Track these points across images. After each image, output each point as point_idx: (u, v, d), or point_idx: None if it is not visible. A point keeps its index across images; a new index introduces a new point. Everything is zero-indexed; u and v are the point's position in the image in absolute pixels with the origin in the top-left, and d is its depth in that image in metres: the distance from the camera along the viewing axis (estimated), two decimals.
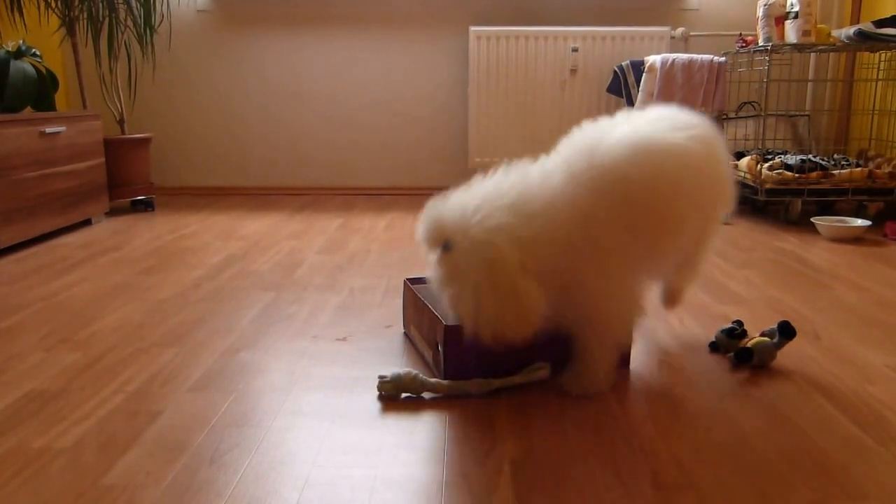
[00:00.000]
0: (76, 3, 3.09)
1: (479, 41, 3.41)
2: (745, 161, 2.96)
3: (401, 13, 3.56)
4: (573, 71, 3.44)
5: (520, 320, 1.17)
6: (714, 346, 1.49)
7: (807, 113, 3.47)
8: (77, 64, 3.14)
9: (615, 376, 1.30)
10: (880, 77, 3.08)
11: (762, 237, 2.63)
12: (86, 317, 1.72)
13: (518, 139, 3.49)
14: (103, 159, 3.00)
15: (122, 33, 3.26)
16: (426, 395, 1.27)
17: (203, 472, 1.02)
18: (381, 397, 1.26)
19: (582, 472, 1.02)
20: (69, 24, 3.11)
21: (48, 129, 2.61)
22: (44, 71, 2.88)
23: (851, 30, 2.82)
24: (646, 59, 3.28)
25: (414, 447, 1.09)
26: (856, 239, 2.57)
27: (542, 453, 1.07)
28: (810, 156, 2.94)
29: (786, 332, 1.40)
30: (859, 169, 2.80)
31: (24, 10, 3.08)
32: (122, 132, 3.30)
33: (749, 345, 1.40)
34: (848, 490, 0.97)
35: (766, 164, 2.83)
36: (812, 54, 3.42)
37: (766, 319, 1.68)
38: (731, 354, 1.41)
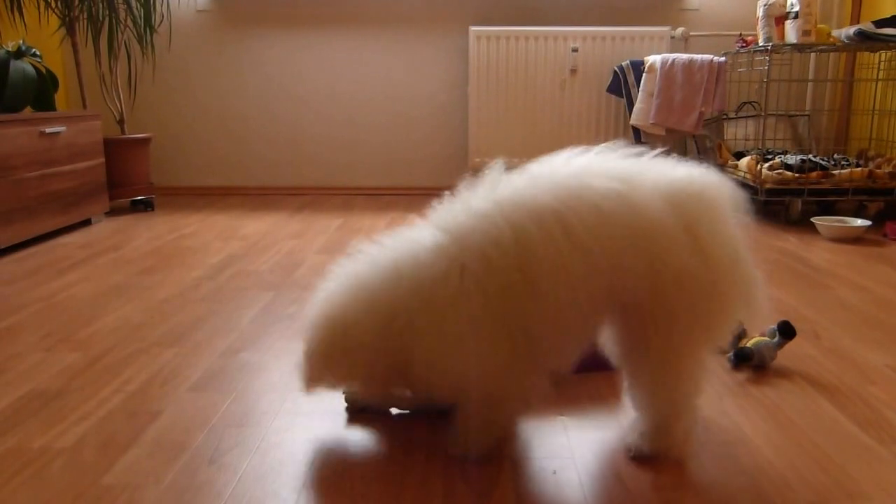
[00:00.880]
0: (76, 3, 3.09)
1: (479, 41, 3.41)
2: (744, 161, 2.95)
3: (401, 13, 3.56)
4: (573, 71, 3.44)
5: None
6: None
7: (807, 113, 3.47)
8: (77, 64, 3.14)
9: (490, 444, 1.07)
10: (880, 77, 3.07)
11: (762, 237, 2.63)
12: (85, 317, 1.72)
13: (518, 139, 3.49)
14: (103, 159, 3.00)
15: (122, 33, 3.26)
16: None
17: (203, 472, 1.02)
18: (347, 409, 1.22)
19: (582, 471, 1.02)
20: (69, 24, 3.11)
21: (48, 129, 2.61)
22: (44, 71, 2.88)
23: (851, 30, 2.82)
24: (646, 59, 3.28)
25: (414, 447, 1.09)
26: (856, 239, 2.57)
27: (541, 453, 1.07)
28: (810, 156, 2.94)
29: (786, 332, 1.40)
30: (859, 169, 2.80)
31: (24, 10, 3.08)
32: (122, 132, 3.30)
33: (749, 345, 1.40)
34: (848, 490, 0.97)
35: (766, 164, 2.83)
36: (812, 54, 3.42)
37: (766, 319, 1.67)
38: (731, 354, 1.41)
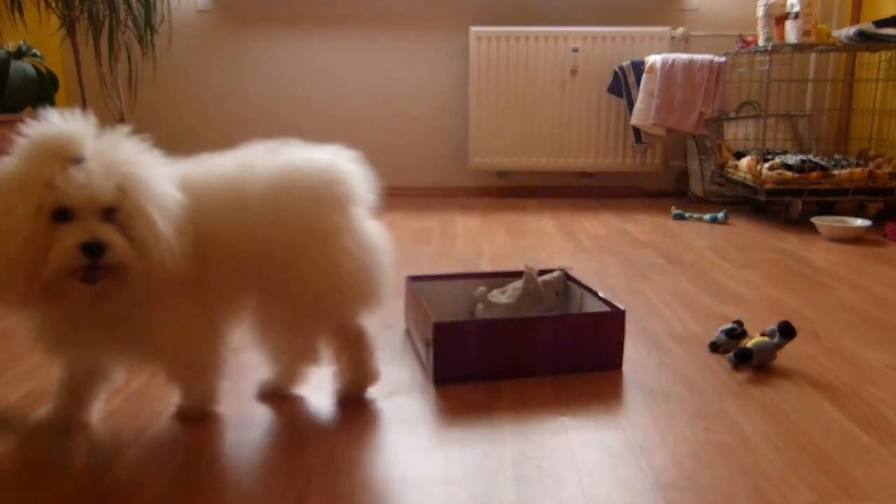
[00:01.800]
0: (76, 3, 3.09)
1: (479, 41, 3.41)
2: (745, 161, 2.96)
3: (401, 13, 3.56)
4: (573, 71, 3.44)
5: None
6: (714, 346, 1.49)
7: (807, 113, 3.47)
8: (77, 64, 3.14)
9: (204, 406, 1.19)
10: (880, 77, 3.08)
11: (762, 237, 2.63)
12: None
13: (518, 139, 3.49)
14: None
15: (123, 33, 3.26)
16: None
17: (203, 472, 1.02)
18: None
19: (582, 471, 1.02)
20: (69, 24, 3.11)
21: None
22: (44, 71, 2.88)
23: (851, 30, 2.82)
24: (646, 59, 3.28)
25: (414, 447, 1.09)
26: (856, 239, 2.57)
27: (541, 453, 1.07)
28: (810, 156, 2.94)
29: (786, 332, 1.40)
30: (859, 169, 2.80)
31: (24, 10, 3.08)
32: None
33: (749, 345, 1.40)
34: (848, 490, 0.97)
35: (766, 164, 2.83)
36: (812, 54, 3.42)
37: (766, 319, 1.68)
38: (731, 354, 1.41)
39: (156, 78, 3.62)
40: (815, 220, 2.67)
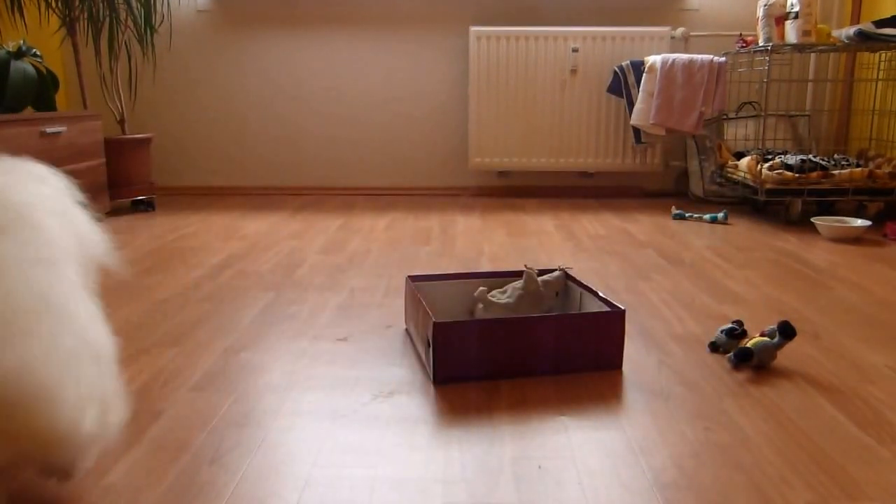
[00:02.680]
0: (77, 3, 3.09)
1: (479, 41, 3.41)
2: (745, 161, 2.96)
3: (401, 13, 3.56)
4: (573, 71, 3.44)
5: None
6: (714, 346, 1.49)
7: (807, 113, 3.47)
8: (77, 64, 3.14)
9: None
10: (880, 77, 3.08)
11: (762, 237, 2.63)
12: None
13: (518, 139, 3.49)
14: (104, 159, 3.00)
15: (123, 33, 3.26)
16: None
17: (203, 472, 1.02)
18: None
19: (582, 471, 1.02)
20: (69, 24, 3.11)
21: (49, 130, 2.61)
22: (44, 71, 2.88)
23: (851, 30, 2.82)
24: (646, 59, 3.28)
25: (414, 447, 1.09)
26: (856, 239, 2.57)
27: (541, 453, 1.07)
28: (810, 156, 2.94)
29: (786, 332, 1.40)
30: (859, 169, 2.80)
31: (24, 11, 3.08)
32: (123, 132, 3.30)
33: (749, 345, 1.40)
34: (848, 490, 0.97)
35: (766, 164, 2.83)
36: (812, 54, 3.42)
37: (766, 319, 1.68)
38: (731, 354, 1.41)
39: (156, 78, 3.62)
40: (815, 220, 2.67)
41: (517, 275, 1.63)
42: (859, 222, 2.62)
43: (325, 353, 1.47)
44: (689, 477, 1.00)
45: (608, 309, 1.42)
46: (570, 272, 1.64)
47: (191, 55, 3.62)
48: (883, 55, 3.05)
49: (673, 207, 3.10)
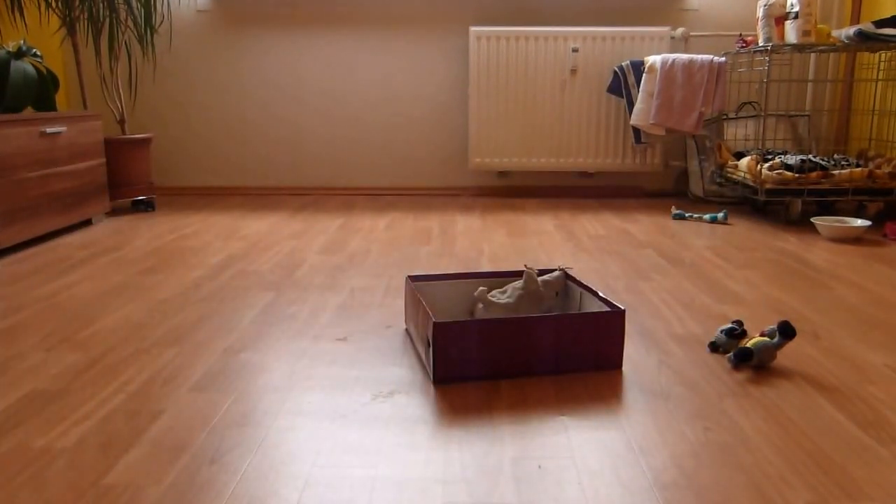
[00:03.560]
0: (77, 3, 3.09)
1: (479, 41, 3.41)
2: (745, 161, 2.96)
3: (401, 13, 3.56)
4: (573, 71, 3.44)
5: None
6: (714, 346, 1.49)
7: (807, 113, 3.47)
8: (77, 64, 3.14)
9: None
10: (880, 77, 3.08)
11: (762, 237, 2.64)
12: (86, 317, 1.72)
13: (518, 139, 3.49)
14: (104, 159, 3.00)
15: (123, 33, 3.26)
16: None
17: (203, 472, 1.02)
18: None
19: (582, 471, 1.02)
20: (70, 25, 3.11)
21: (49, 130, 2.62)
22: (44, 71, 2.88)
23: (851, 30, 2.83)
24: (646, 59, 3.28)
25: (414, 447, 1.09)
26: (856, 239, 2.57)
27: (541, 453, 1.07)
28: (810, 156, 2.94)
29: (786, 332, 1.40)
30: (859, 169, 2.80)
31: (24, 11, 3.08)
32: (123, 132, 3.30)
33: (749, 345, 1.40)
34: (848, 490, 0.97)
35: (766, 164, 2.83)
36: (812, 54, 3.42)
37: (766, 319, 1.68)
38: (731, 354, 1.41)
39: (156, 78, 3.62)
40: (815, 220, 2.67)
41: (517, 275, 1.63)
42: (859, 222, 2.62)
43: (325, 353, 1.47)
44: (689, 477, 1.00)
45: (608, 309, 1.42)
46: (570, 272, 1.64)
47: (191, 55, 3.62)
48: (883, 55, 3.05)
49: (673, 207, 3.10)
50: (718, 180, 3.25)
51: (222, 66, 3.62)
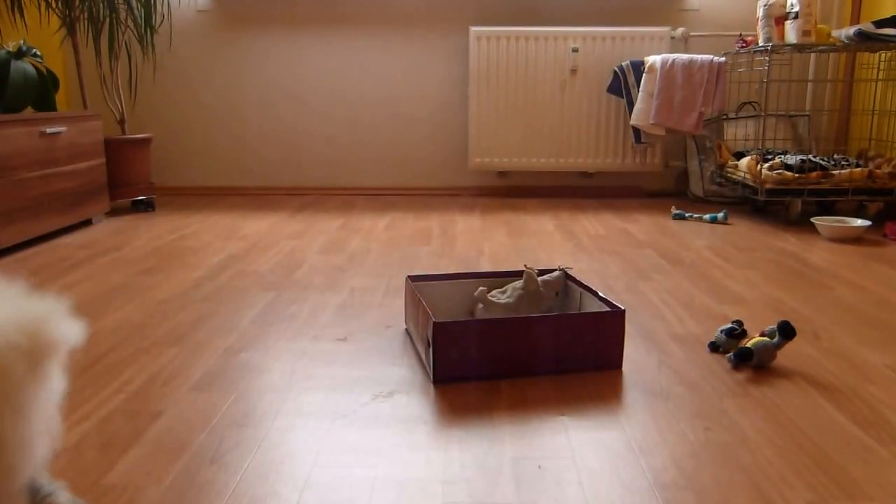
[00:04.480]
0: (77, 3, 3.09)
1: (479, 41, 3.41)
2: (745, 161, 2.96)
3: (401, 13, 3.56)
4: (573, 71, 3.44)
5: None
6: (714, 346, 1.49)
7: (807, 113, 3.47)
8: (78, 64, 3.14)
9: None
10: (880, 77, 3.08)
11: (762, 237, 2.64)
12: (86, 317, 1.72)
13: (518, 139, 3.49)
14: (104, 159, 3.00)
15: (123, 33, 3.26)
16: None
17: (203, 471, 1.02)
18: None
19: (582, 471, 1.02)
20: (70, 25, 3.11)
21: (49, 130, 2.62)
22: (44, 71, 2.88)
23: (851, 30, 2.82)
24: (646, 59, 3.28)
25: (414, 447, 1.09)
26: (856, 239, 2.57)
27: (541, 453, 1.07)
28: (810, 156, 2.95)
29: (786, 332, 1.40)
30: (859, 169, 2.80)
31: (24, 11, 3.08)
32: (123, 132, 3.30)
33: (749, 345, 1.40)
34: (848, 490, 0.97)
35: (766, 164, 2.83)
36: (812, 54, 3.42)
37: (766, 319, 1.68)
38: (731, 354, 1.41)
39: (156, 78, 3.62)
40: (815, 220, 2.67)
41: (517, 275, 1.63)
42: (859, 222, 2.62)
43: (325, 353, 1.47)
44: (689, 477, 1.00)
45: (608, 309, 1.42)
46: (570, 272, 1.64)
47: (191, 55, 3.62)
48: (883, 55, 3.05)
49: (673, 207, 3.10)
50: (718, 180, 3.25)
51: (222, 66, 3.62)
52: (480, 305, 1.54)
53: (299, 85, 3.64)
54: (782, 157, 2.94)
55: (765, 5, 2.89)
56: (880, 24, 2.78)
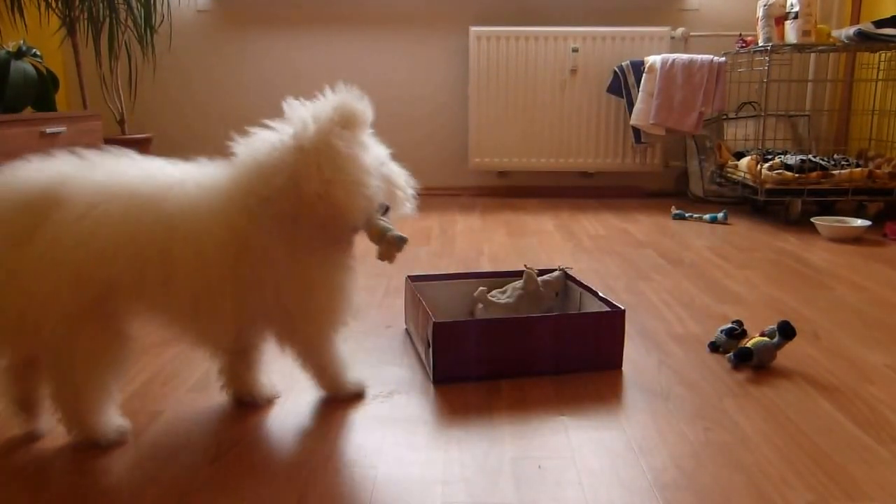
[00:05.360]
0: (76, 3, 3.09)
1: (479, 41, 3.41)
2: (745, 161, 2.96)
3: (401, 13, 3.56)
4: (573, 71, 3.44)
5: None
6: (714, 346, 1.49)
7: (807, 113, 3.47)
8: (77, 64, 3.14)
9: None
10: (880, 77, 3.08)
11: (762, 237, 2.64)
12: None
13: (518, 139, 3.49)
14: None
15: (123, 33, 3.26)
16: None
17: (203, 472, 1.02)
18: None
19: (582, 471, 1.02)
20: (70, 25, 3.11)
21: (49, 130, 2.61)
22: (44, 71, 2.88)
23: (851, 30, 2.82)
24: (646, 59, 3.28)
25: (414, 447, 1.09)
26: (856, 239, 2.57)
27: (541, 453, 1.07)
28: (810, 156, 2.94)
29: (786, 332, 1.40)
30: (859, 169, 2.80)
31: (24, 11, 3.08)
32: (123, 132, 3.30)
33: (749, 345, 1.40)
34: (848, 490, 0.97)
35: (766, 164, 2.83)
36: (812, 54, 3.42)
37: (766, 319, 1.68)
38: (731, 354, 1.41)
39: (156, 78, 3.62)
40: (815, 220, 2.67)
41: (517, 275, 1.63)
42: (859, 222, 2.62)
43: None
44: (689, 477, 1.00)
45: (608, 309, 1.42)
46: (570, 272, 1.64)
47: (191, 55, 3.62)
48: (883, 55, 3.05)
49: (673, 207, 3.10)
50: (718, 180, 3.25)
51: (222, 66, 3.62)
52: (480, 305, 1.54)
53: (299, 85, 3.63)
54: (782, 157, 2.94)
55: (765, 5, 2.89)
56: (880, 24, 2.78)
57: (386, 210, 1.27)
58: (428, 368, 1.36)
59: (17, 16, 3.07)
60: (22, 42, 2.84)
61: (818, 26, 2.83)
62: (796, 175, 2.78)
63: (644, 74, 3.26)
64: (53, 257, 0.97)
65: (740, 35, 3.23)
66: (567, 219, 3.02)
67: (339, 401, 1.24)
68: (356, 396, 1.25)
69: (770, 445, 1.09)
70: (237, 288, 1.07)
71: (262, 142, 1.15)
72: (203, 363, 1.42)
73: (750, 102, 3.41)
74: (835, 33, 2.92)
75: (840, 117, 3.40)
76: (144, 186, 1.06)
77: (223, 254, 1.05)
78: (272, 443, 1.10)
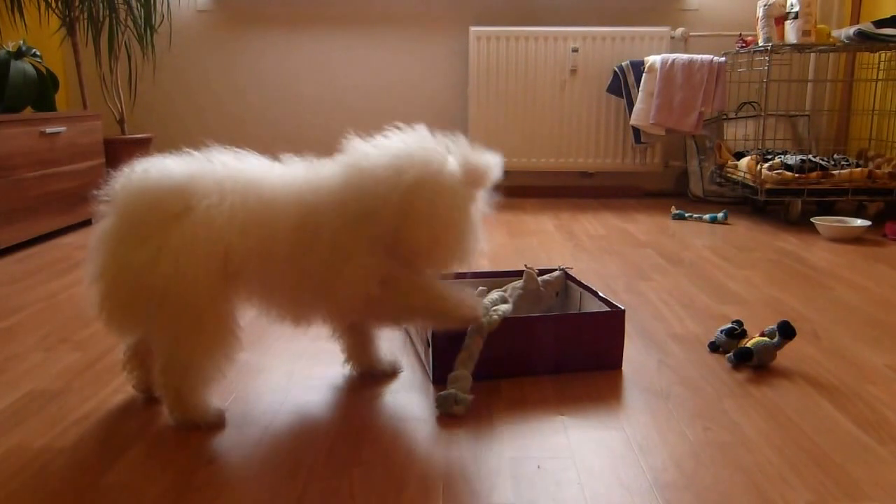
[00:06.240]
0: (76, 3, 3.09)
1: (479, 41, 3.41)
2: (744, 161, 2.96)
3: (401, 13, 3.56)
4: (573, 71, 3.44)
5: None
6: (714, 346, 1.49)
7: (807, 113, 3.47)
8: (77, 64, 3.14)
9: None
10: (880, 77, 3.08)
11: (762, 237, 2.64)
12: (86, 317, 1.72)
13: (518, 139, 3.49)
14: (104, 159, 3.00)
15: (123, 33, 3.26)
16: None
17: (203, 471, 1.02)
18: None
19: (582, 471, 1.02)
20: (69, 25, 3.11)
21: (48, 130, 2.61)
22: (44, 71, 2.88)
23: (851, 30, 2.82)
24: (646, 59, 3.28)
25: (414, 447, 1.09)
26: (856, 239, 2.57)
27: (541, 453, 1.07)
28: (810, 156, 2.94)
29: (786, 332, 1.40)
30: (859, 169, 2.80)
31: (24, 11, 3.08)
32: (123, 132, 3.30)
33: (749, 345, 1.40)
34: (848, 490, 0.97)
35: (766, 164, 2.83)
36: (812, 54, 3.42)
37: (766, 319, 1.68)
38: (731, 354, 1.41)
39: (156, 78, 3.62)
40: (815, 220, 2.67)
41: (517, 275, 1.63)
42: (859, 222, 2.62)
43: (325, 353, 1.47)
44: (689, 477, 1.00)
45: (608, 309, 1.42)
46: (570, 272, 1.64)
47: (191, 55, 3.62)
48: (883, 55, 3.05)
49: (673, 207, 3.10)
50: (718, 180, 3.25)
51: (222, 66, 3.62)
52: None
53: (299, 85, 3.64)
54: (782, 157, 2.94)
55: (765, 5, 2.89)
56: (880, 24, 2.78)
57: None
58: (428, 368, 1.36)
59: (17, 16, 3.07)
60: (22, 42, 2.84)
61: (818, 26, 2.83)
62: (796, 175, 2.78)
63: (644, 74, 3.26)
64: (208, 236, 1.09)
65: (740, 35, 3.23)
66: (567, 219, 3.02)
67: (340, 402, 1.24)
68: (392, 373, 1.36)
69: (770, 445, 1.09)
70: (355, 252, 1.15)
71: (382, 167, 1.17)
72: None
73: (750, 102, 3.41)
74: (835, 33, 2.92)
75: (840, 117, 3.40)
76: (265, 180, 1.26)
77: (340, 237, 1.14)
78: (271, 443, 1.10)
